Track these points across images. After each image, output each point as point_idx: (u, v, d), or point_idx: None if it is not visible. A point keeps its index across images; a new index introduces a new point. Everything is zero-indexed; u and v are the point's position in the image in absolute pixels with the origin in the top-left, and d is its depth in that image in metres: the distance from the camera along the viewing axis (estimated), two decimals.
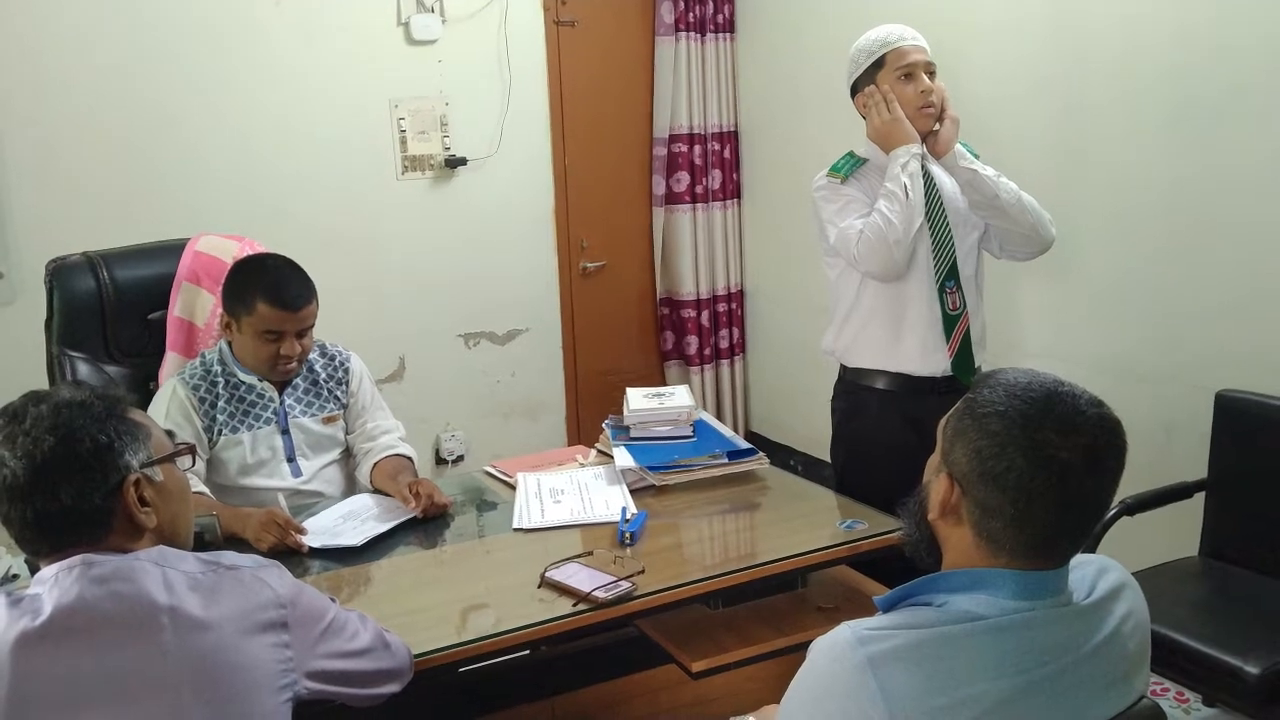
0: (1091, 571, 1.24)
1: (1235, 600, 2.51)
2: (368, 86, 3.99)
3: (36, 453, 1.29)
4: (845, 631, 1.15)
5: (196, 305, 2.59)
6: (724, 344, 4.77)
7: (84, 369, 2.53)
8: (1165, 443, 2.89)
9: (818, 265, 2.68)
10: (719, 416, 4.62)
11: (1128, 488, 2.29)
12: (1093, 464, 1.14)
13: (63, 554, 1.31)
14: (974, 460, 1.17)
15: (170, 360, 2.58)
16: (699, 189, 4.59)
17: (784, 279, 4.57)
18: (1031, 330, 3.35)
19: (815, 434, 3.64)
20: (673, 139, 4.53)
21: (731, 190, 4.69)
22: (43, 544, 1.33)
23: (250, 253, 2.60)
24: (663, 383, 4.57)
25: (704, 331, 4.71)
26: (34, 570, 1.35)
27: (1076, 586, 1.21)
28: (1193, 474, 2.69)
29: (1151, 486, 2.62)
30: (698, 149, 4.55)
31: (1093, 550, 2.30)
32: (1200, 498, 2.69)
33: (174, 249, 2.66)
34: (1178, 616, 2.36)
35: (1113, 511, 2.50)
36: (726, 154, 4.63)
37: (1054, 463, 1.13)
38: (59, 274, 2.55)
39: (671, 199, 4.59)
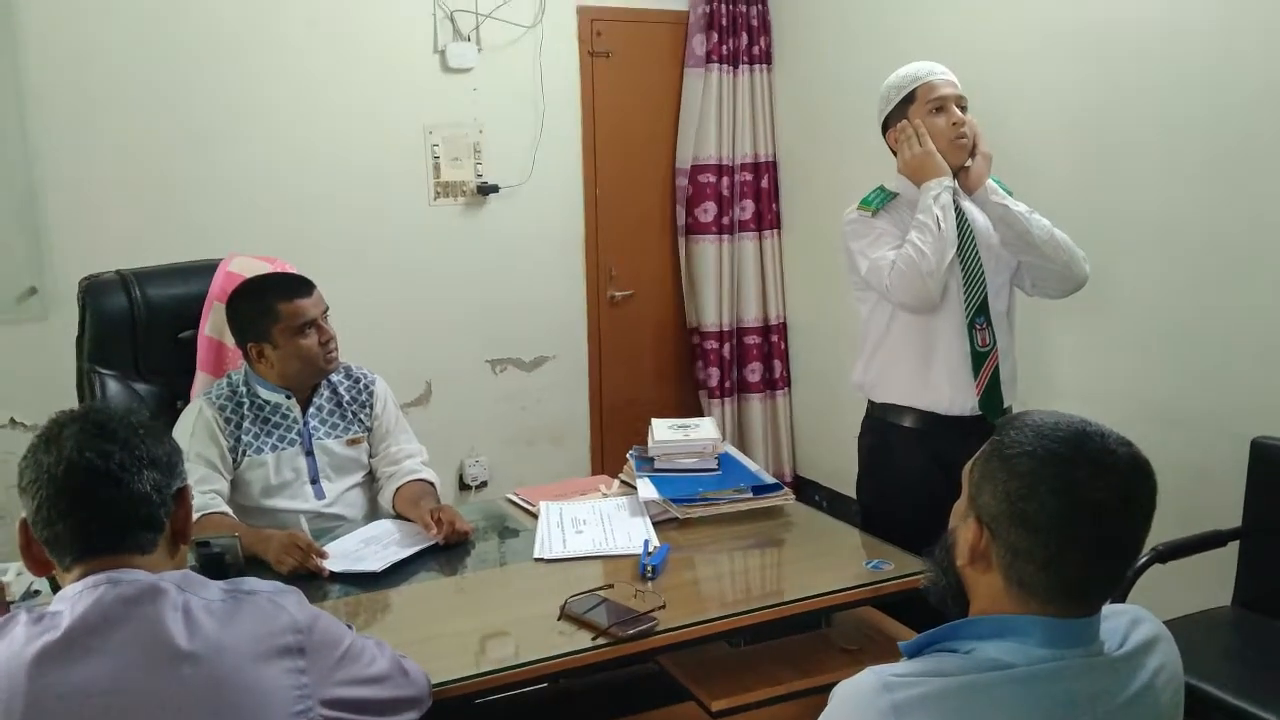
0: (1124, 622, 1.21)
1: (1269, 652, 2.45)
2: (402, 112, 4.03)
3: (133, 440, 1.33)
4: (869, 677, 1.12)
5: (227, 325, 2.60)
6: (753, 377, 4.73)
7: (114, 386, 2.54)
8: (1199, 490, 2.83)
9: (853, 298, 2.66)
10: (747, 452, 4.58)
11: (1160, 534, 2.25)
12: (1125, 504, 1.12)
13: (106, 559, 1.30)
14: (1003, 502, 1.15)
15: (200, 379, 2.60)
16: (725, 220, 4.59)
17: (824, 310, 4.54)
18: (1063, 370, 3.31)
19: (842, 469, 3.61)
20: (699, 170, 4.53)
21: (770, 220, 4.68)
22: (99, 539, 1.31)
23: (278, 271, 2.63)
24: (693, 414, 4.53)
25: (726, 364, 4.68)
26: (56, 589, 1.34)
27: (1109, 637, 1.18)
28: (1227, 522, 2.64)
29: (1184, 534, 2.57)
30: (726, 179, 4.56)
31: (1124, 598, 2.26)
32: (1234, 546, 2.64)
33: (206, 269, 2.68)
34: (1210, 667, 2.31)
35: (1145, 558, 2.46)
36: (763, 184, 4.62)
37: (1087, 503, 1.11)
38: (91, 291, 2.58)
39: (695, 229, 4.58)
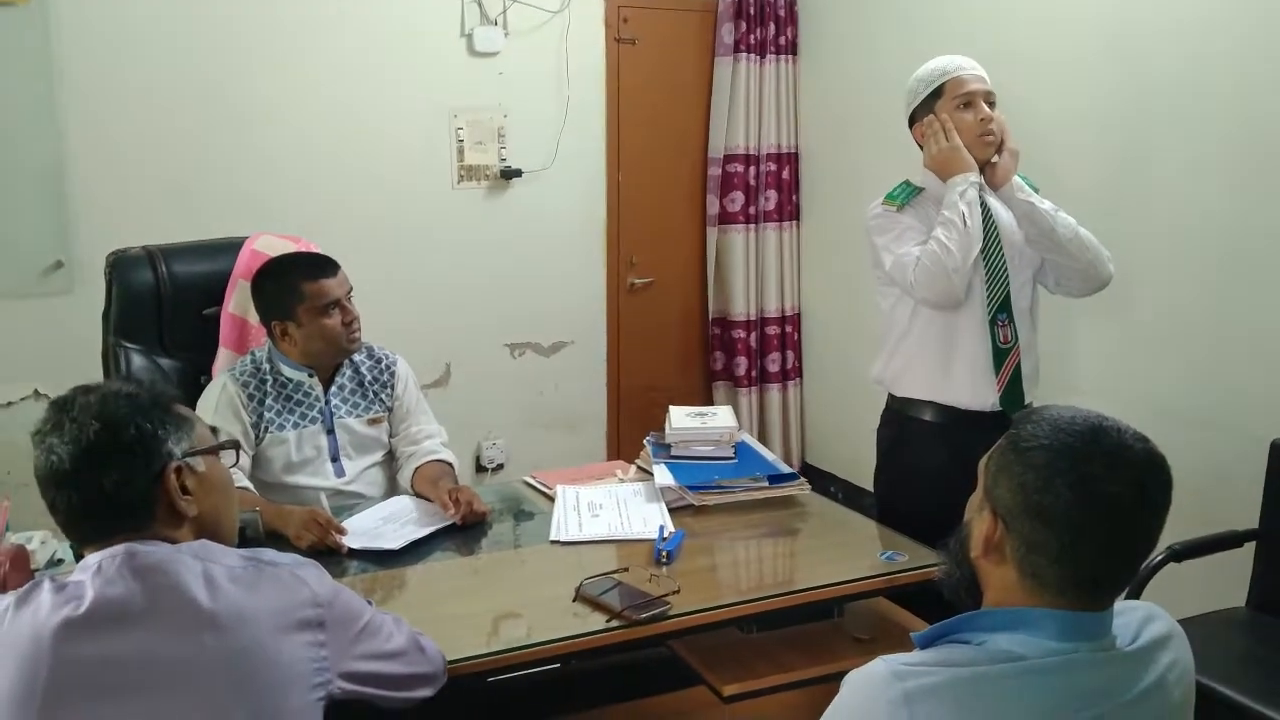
0: (1137, 618, 1.21)
1: None
2: (428, 95, 4.04)
3: (82, 438, 1.32)
4: (881, 665, 1.13)
5: (251, 302, 2.63)
6: (773, 368, 4.74)
7: (138, 360, 2.57)
8: (1216, 490, 2.82)
9: (873, 291, 2.66)
10: (765, 441, 4.59)
11: (1176, 534, 2.25)
12: (1141, 498, 1.13)
13: (107, 541, 1.33)
14: (1018, 494, 1.15)
15: (223, 355, 2.63)
16: (752, 209, 4.59)
17: (839, 303, 4.54)
18: (1084, 368, 3.30)
19: (858, 460, 3.61)
20: (728, 159, 4.53)
21: (790, 212, 4.67)
22: (87, 531, 1.35)
23: (303, 250, 2.66)
24: (708, 402, 4.54)
25: (752, 353, 4.69)
26: (79, 556, 1.37)
27: (1121, 633, 1.18)
28: (1244, 523, 2.63)
29: (1201, 534, 2.56)
30: (752, 169, 4.56)
31: (1138, 596, 2.26)
32: (1250, 548, 2.63)
33: (232, 246, 2.70)
34: (1222, 668, 2.31)
35: (1160, 557, 2.46)
36: (785, 175, 4.62)
37: (1102, 496, 1.11)
38: (118, 266, 2.60)
39: (725, 219, 4.58)
